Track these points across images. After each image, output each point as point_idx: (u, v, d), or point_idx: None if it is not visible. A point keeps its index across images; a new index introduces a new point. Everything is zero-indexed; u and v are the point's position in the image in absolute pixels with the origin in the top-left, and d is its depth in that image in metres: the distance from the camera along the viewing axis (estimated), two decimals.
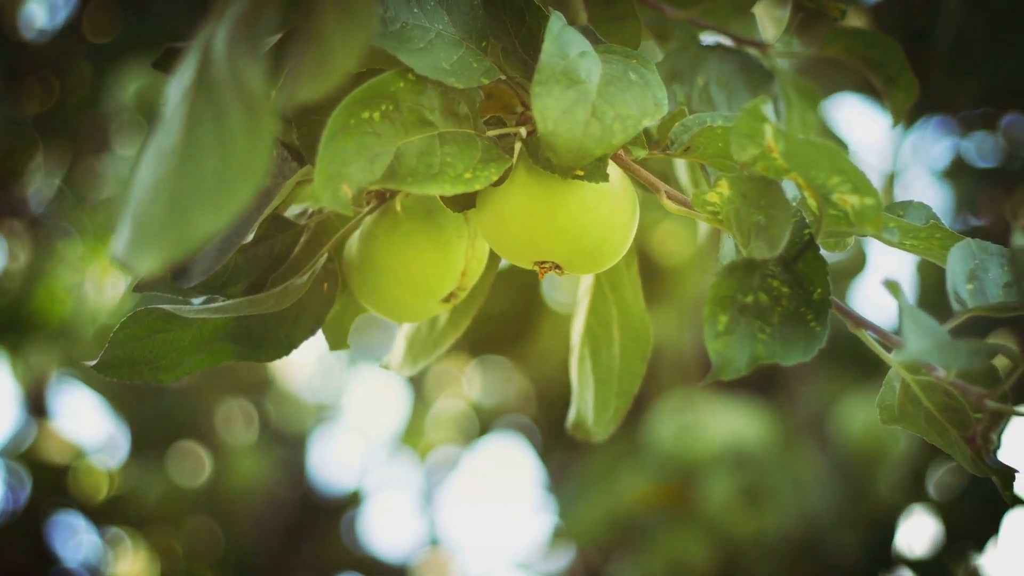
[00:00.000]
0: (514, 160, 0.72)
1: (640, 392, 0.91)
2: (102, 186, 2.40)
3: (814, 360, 0.65)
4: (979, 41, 1.72)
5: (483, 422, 3.19)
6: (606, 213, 0.73)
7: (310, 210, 0.83)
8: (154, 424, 2.80)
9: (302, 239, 0.81)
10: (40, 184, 2.45)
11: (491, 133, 0.72)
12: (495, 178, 0.68)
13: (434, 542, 3.35)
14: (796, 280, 0.67)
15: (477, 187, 0.68)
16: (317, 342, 0.85)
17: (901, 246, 0.73)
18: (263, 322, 0.80)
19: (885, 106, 0.98)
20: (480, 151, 0.69)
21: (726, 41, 0.99)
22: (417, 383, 3.21)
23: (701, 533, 2.17)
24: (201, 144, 0.54)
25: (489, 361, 3.09)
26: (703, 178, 0.89)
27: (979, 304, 0.68)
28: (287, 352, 0.81)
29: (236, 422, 3.03)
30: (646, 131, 0.75)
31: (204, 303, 0.77)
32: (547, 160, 0.69)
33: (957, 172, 2.15)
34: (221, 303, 0.76)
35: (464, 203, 0.76)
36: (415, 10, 0.70)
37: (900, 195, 2.27)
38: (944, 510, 2.09)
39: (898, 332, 0.65)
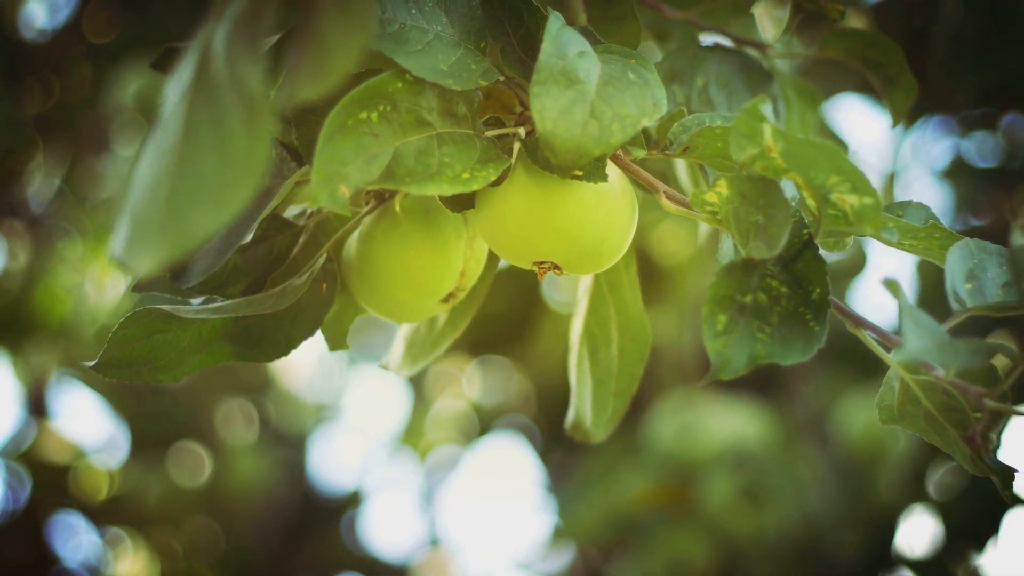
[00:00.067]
0: (513, 160, 0.72)
1: (640, 392, 0.91)
2: (102, 186, 2.40)
3: (814, 360, 0.65)
4: (978, 41, 1.72)
5: (483, 422, 3.19)
6: (605, 213, 0.73)
7: (309, 210, 0.83)
8: (154, 424, 2.80)
9: (301, 239, 0.81)
10: (40, 184, 2.45)
11: (490, 133, 0.72)
12: (493, 178, 0.68)
13: (434, 542, 3.35)
14: (795, 280, 0.67)
15: (475, 187, 0.67)
16: (317, 342, 0.85)
17: (900, 246, 0.73)
18: (262, 322, 0.80)
19: (885, 106, 0.98)
20: (478, 151, 0.69)
21: (725, 42, 0.99)
22: (417, 383, 3.21)
23: (701, 533, 2.17)
24: (200, 144, 0.54)
25: (489, 361, 3.08)
26: (702, 178, 0.89)
27: (978, 304, 0.68)
28: (286, 352, 0.81)
29: (236, 422, 3.03)
30: (645, 131, 0.74)
31: (203, 303, 0.77)
32: (546, 160, 0.69)
33: (957, 172, 2.15)
34: (220, 303, 0.76)
35: (462, 203, 0.76)
36: (413, 11, 0.70)
37: (900, 195, 2.27)
38: (944, 510, 2.08)
39: (897, 332, 0.65)
